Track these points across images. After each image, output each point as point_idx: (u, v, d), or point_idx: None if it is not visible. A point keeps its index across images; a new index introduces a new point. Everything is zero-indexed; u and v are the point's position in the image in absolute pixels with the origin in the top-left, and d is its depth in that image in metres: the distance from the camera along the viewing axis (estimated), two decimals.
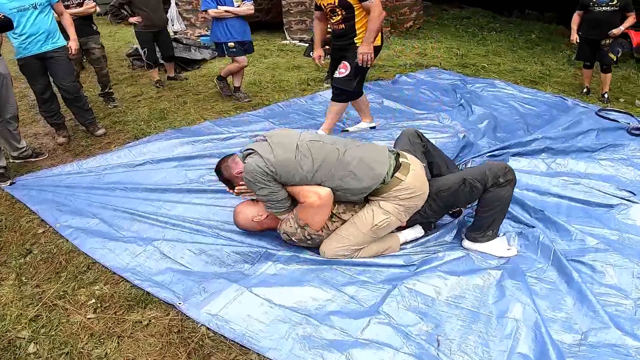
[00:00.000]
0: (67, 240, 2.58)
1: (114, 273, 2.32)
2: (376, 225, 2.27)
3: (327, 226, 2.36)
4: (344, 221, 2.37)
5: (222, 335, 1.92)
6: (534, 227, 2.56)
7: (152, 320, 2.02)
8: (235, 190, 2.47)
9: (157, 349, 1.88)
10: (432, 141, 3.46)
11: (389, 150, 2.38)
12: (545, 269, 2.26)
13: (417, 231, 2.55)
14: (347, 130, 4.07)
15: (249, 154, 2.31)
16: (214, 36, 4.79)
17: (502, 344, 1.85)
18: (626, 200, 2.75)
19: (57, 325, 2.01)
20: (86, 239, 2.57)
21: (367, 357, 1.81)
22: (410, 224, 2.48)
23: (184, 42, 6.86)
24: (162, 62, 5.74)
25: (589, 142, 3.65)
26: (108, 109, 4.77)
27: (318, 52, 3.92)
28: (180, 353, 1.86)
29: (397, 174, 2.26)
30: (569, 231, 2.49)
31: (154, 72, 5.50)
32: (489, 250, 2.41)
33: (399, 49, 7.47)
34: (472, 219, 2.49)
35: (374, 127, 4.09)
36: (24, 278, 2.31)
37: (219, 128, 4.18)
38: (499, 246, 2.42)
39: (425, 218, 2.47)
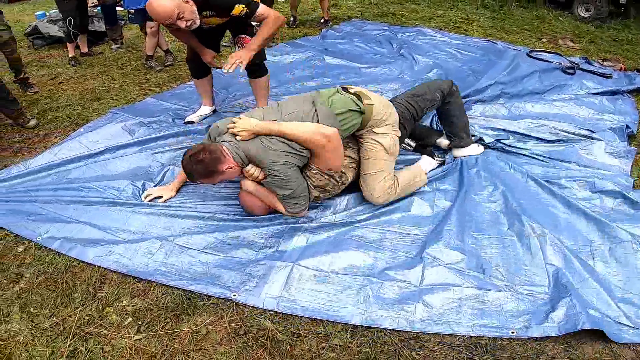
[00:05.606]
0: (60, 253, 2.25)
1: (137, 281, 2.10)
2: (389, 145, 2.40)
3: (344, 172, 2.42)
4: (354, 159, 2.48)
5: (290, 327, 1.87)
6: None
7: (210, 327, 1.88)
8: (243, 184, 2.42)
9: (233, 357, 1.76)
10: (388, 94, 3.67)
11: (334, 87, 2.47)
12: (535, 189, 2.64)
13: (431, 162, 2.85)
14: (193, 122, 3.45)
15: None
16: (134, 2, 4.37)
17: (536, 259, 2.13)
18: (588, 138, 3.08)
19: (103, 356, 1.78)
20: (83, 248, 2.26)
21: (439, 299, 1.95)
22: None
23: None
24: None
25: (536, 85, 3.95)
26: (28, 97, 4.09)
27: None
28: (261, 355, 1.77)
29: (365, 101, 2.36)
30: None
31: (70, 48, 4.81)
32: (471, 152, 2.92)
33: (312, 2, 7.29)
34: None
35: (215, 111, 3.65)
36: (31, 309, 1.99)
37: (167, 103, 3.81)
38: (476, 148, 2.96)
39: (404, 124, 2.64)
